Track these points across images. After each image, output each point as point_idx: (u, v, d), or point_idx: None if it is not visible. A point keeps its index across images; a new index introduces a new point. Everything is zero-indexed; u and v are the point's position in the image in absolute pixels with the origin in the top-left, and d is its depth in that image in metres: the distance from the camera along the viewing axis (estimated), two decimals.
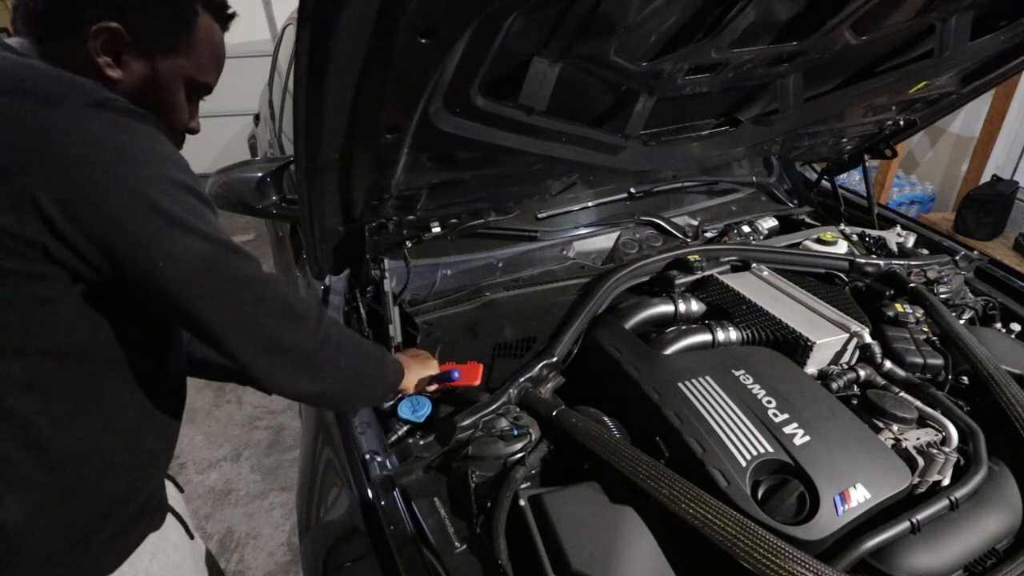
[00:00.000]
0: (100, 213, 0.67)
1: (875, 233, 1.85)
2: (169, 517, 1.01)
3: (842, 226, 1.91)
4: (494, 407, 1.08)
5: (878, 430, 1.04)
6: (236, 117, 5.13)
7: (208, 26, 0.87)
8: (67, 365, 0.77)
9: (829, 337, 1.20)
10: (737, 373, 1.10)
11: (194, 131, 0.93)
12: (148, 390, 0.88)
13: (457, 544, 0.90)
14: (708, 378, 1.09)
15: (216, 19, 0.88)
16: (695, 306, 1.39)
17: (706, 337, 1.26)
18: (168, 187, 0.72)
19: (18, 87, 0.68)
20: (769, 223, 1.90)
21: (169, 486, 1.07)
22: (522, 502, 0.92)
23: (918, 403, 1.09)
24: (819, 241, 1.74)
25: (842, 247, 1.73)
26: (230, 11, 0.91)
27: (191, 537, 1.09)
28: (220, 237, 0.76)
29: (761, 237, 1.85)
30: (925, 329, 1.34)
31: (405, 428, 1.11)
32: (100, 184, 0.67)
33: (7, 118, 0.66)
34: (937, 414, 1.07)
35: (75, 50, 0.77)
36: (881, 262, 1.59)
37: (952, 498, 0.92)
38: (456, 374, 1.13)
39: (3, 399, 0.73)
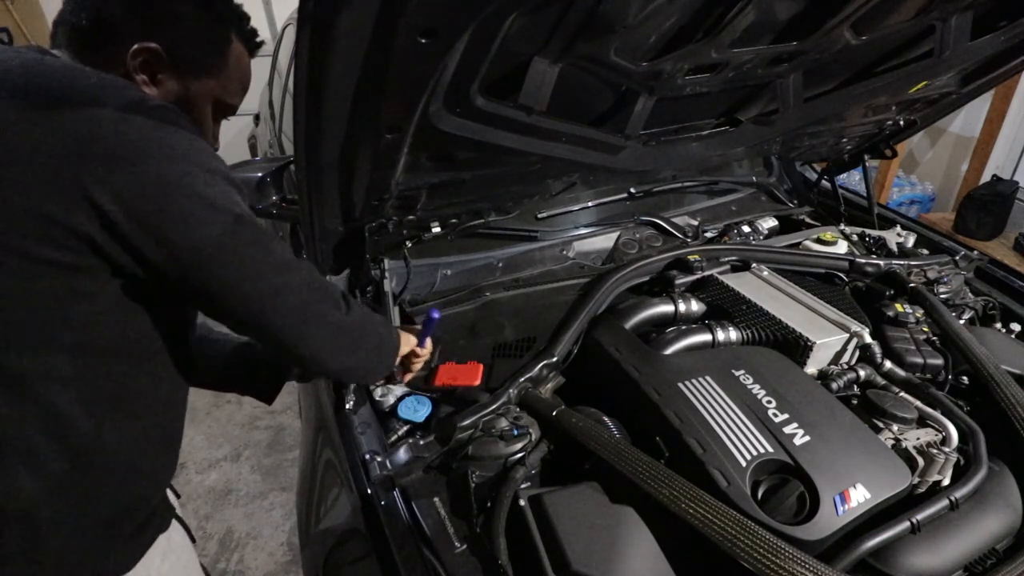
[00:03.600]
0: (153, 204, 0.71)
1: (875, 233, 1.85)
2: (172, 520, 1.02)
3: (842, 226, 1.91)
4: (494, 407, 1.08)
5: (878, 430, 1.04)
6: (236, 117, 5.12)
7: (239, 52, 0.93)
8: (103, 361, 0.79)
9: (829, 337, 1.20)
10: (737, 373, 1.10)
11: (217, 148, 0.96)
12: (168, 391, 0.91)
13: (457, 544, 0.90)
14: (708, 378, 1.09)
15: (246, 46, 0.95)
16: (695, 306, 1.39)
17: (706, 337, 1.26)
18: (210, 176, 0.76)
19: (64, 86, 0.72)
20: (769, 223, 1.90)
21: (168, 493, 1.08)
22: (522, 502, 0.92)
23: (918, 403, 1.09)
24: (819, 241, 1.74)
25: (842, 247, 1.73)
26: (259, 39, 0.98)
27: (193, 541, 1.10)
28: (261, 224, 0.81)
29: (761, 237, 1.85)
30: (925, 329, 1.34)
31: (405, 428, 1.11)
32: (151, 176, 0.71)
33: (55, 114, 0.69)
34: (937, 414, 1.07)
35: (113, 66, 0.81)
36: (881, 262, 1.59)
37: (952, 498, 0.92)
38: (436, 313, 1.12)
39: (43, 392, 0.75)
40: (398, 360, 1.12)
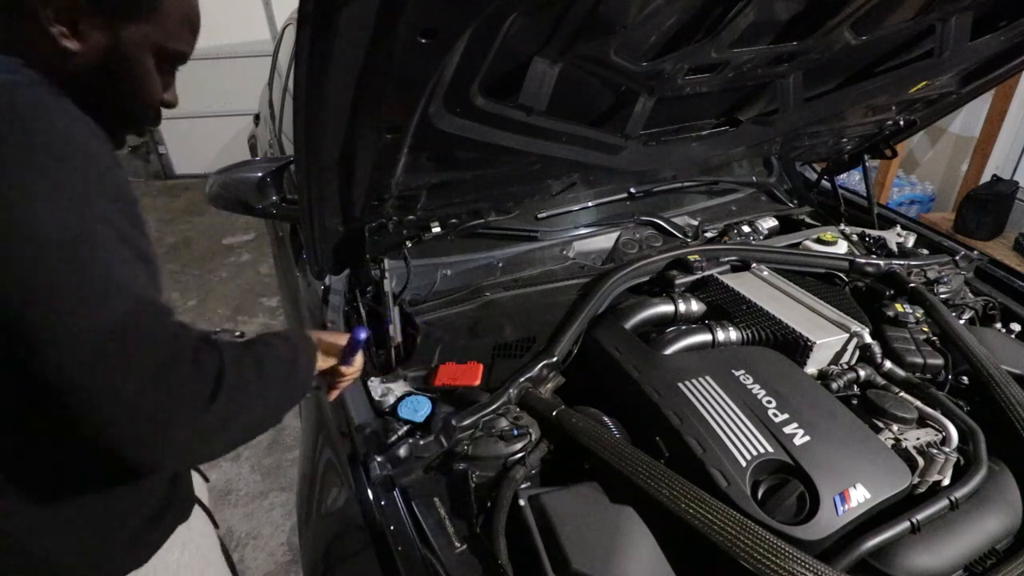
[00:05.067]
0: None
1: (875, 233, 1.85)
2: (196, 507, 0.99)
3: (842, 226, 1.91)
4: (494, 407, 1.08)
5: (878, 430, 1.04)
6: (236, 117, 5.14)
7: None
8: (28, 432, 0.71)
9: (829, 337, 1.20)
10: (737, 373, 1.10)
11: (171, 104, 0.83)
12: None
13: (457, 544, 0.90)
14: (708, 378, 1.09)
15: None
16: (695, 306, 1.39)
17: (706, 337, 1.26)
18: (49, 181, 0.60)
19: None
20: (769, 223, 1.90)
21: (196, 475, 1.06)
22: (522, 502, 0.92)
23: (918, 403, 1.09)
24: (819, 241, 1.74)
25: (842, 247, 1.73)
26: None
27: (216, 527, 1.08)
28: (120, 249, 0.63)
29: (761, 237, 1.85)
30: (925, 329, 1.34)
31: (405, 428, 1.11)
32: None
33: None
34: (937, 414, 1.07)
35: (24, 22, 0.69)
36: (881, 262, 1.59)
37: (952, 498, 0.92)
38: (362, 333, 0.95)
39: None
40: (315, 371, 0.93)
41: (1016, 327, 1.49)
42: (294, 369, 0.83)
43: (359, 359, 1.00)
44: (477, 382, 1.19)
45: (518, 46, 0.91)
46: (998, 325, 1.51)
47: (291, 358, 0.83)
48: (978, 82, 1.58)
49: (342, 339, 0.97)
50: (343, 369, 0.98)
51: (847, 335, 1.23)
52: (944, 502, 0.91)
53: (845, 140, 1.91)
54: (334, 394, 1.05)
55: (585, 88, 1.11)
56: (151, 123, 0.83)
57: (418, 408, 1.13)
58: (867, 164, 1.99)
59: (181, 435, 0.64)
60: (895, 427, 1.04)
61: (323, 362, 0.94)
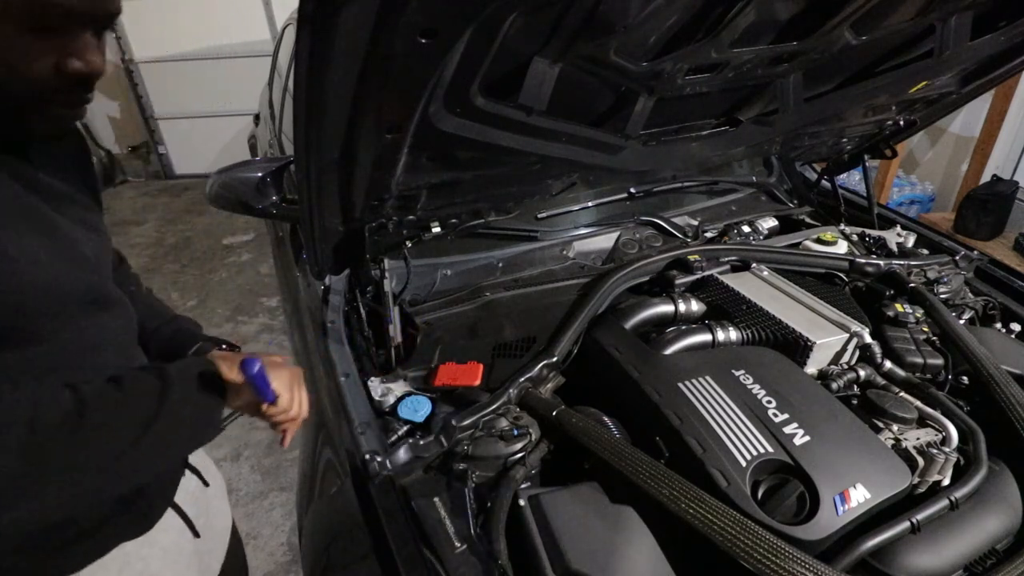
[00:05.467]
0: None
1: (875, 233, 1.85)
2: (169, 517, 0.93)
3: (842, 226, 1.91)
4: (494, 407, 1.08)
5: (878, 430, 1.04)
6: (236, 117, 5.15)
7: None
8: None
9: (829, 337, 1.20)
10: (737, 373, 1.10)
11: (85, 72, 0.64)
12: None
13: (457, 544, 0.90)
14: (708, 378, 1.09)
15: None
16: (695, 306, 1.39)
17: (706, 337, 1.26)
18: None
19: None
20: (769, 223, 1.90)
21: (192, 480, 1.01)
22: (522, 502, 0.92)
23: (918, 403, 1.09)
24: (819, 241, 1.74)
25: (842, 247, 1.73)
26: None
27: (196, 535, 1.00)
28: None
29: (761, 237, 1.85)
30: (925, 329, 1.34)
31: (405, 428, 1.11)
32: None
33: None
34: (937, 414, 1.07)
35: None
36: (881, 262, 1.59)
37: (952, 498, 0.92)
38: (255, 364, 0.77)
39: None
40: (220, 409, 0.80)
41: (1016, 327, 1.49)
42: (158, 413, 0.69)
43: (286, 396, 0.83)
44: (477, 382, 1.19)
45: (518, 46, 0.91)
46: (998, 325, 1.51)
47: (152, 403, 0.69)
48: (978, 82, 1.58)
49: (244, 383, 0.79)
50: (266, 408, 0.82)
51: (847, 335, 1.23)
52: (944, 502, 0.92)
53: (845, 140, 1.91)
54: (287, 440, 0.92)
55: (585, 88, 1.11)
56: (76, 100, 0.66)
57: (418, 408, 1.13)
58: (867, 164, 1.99)
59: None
60: (895, 427, 1.04)
61: (235, 401, 0.80)
